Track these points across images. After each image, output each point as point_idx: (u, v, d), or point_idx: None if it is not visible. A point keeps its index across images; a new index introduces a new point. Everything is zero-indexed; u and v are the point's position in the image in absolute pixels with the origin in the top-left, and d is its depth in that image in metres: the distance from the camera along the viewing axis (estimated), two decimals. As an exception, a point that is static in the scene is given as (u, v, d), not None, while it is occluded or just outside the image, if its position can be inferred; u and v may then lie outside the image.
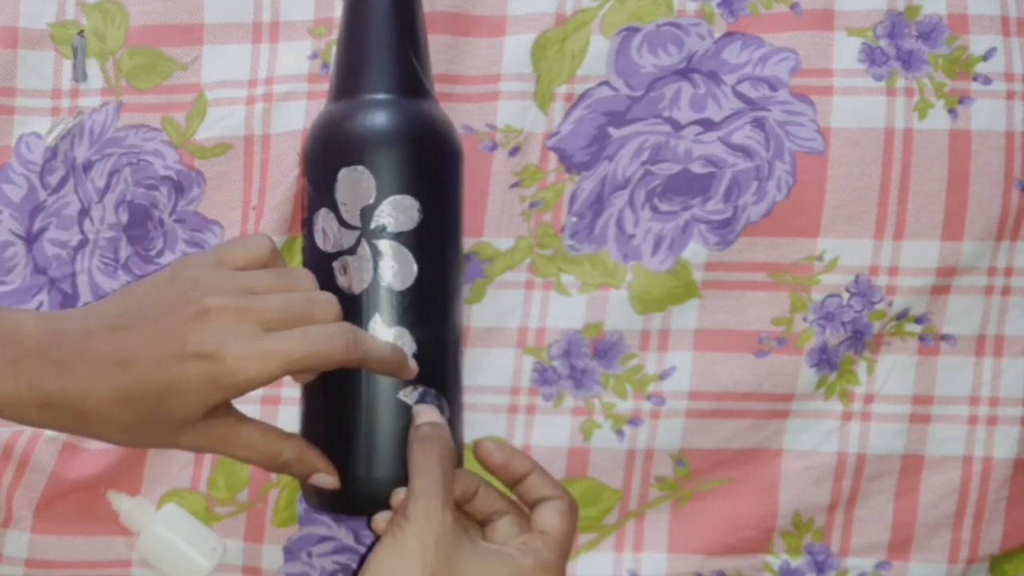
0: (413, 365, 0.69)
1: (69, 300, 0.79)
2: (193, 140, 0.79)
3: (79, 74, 0.80)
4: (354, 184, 0.69)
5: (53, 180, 0.79)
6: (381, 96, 0.72)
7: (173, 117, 0.80)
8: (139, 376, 0.63)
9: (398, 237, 0.69)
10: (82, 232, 0.79)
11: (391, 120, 0.71)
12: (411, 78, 0.72)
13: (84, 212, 0.79)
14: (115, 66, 0.80)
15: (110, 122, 0.80)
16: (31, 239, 0.79)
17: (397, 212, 0.69)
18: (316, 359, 0.64)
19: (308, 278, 0.67)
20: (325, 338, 0.64)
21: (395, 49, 0.72)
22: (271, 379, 0.63)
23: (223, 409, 0.66)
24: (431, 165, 0.71)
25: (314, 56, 0.80)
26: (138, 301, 0.65)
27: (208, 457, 0.78)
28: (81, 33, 0.80)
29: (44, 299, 0.79)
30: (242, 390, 0.63)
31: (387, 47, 0.72)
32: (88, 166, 0.79)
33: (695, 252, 0.78)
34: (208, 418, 0.65)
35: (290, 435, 0.69)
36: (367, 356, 0.66)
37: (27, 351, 0.63)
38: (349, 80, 0.73)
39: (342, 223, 0.70)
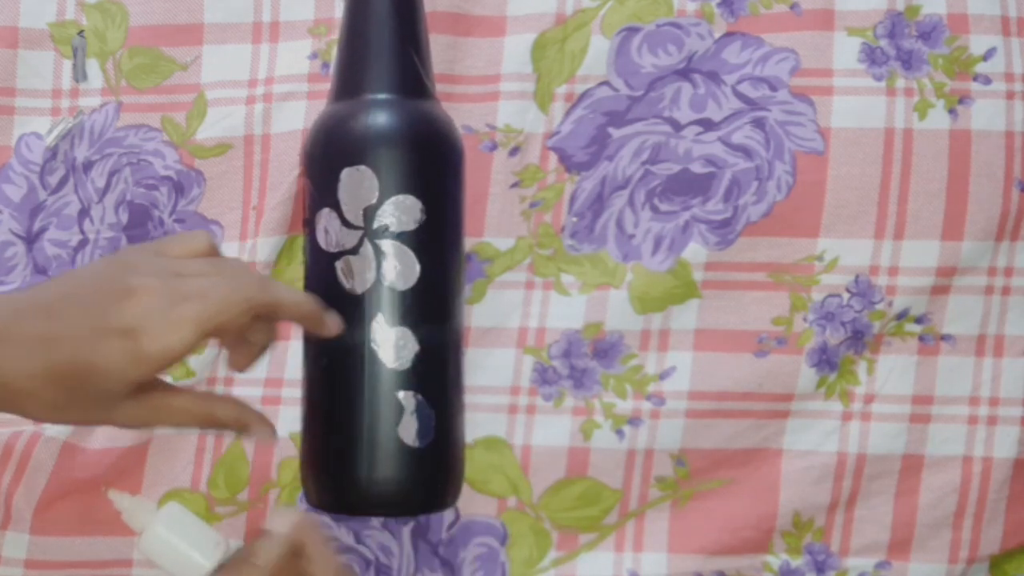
0: (332, 321, 0.68)
1: (69, 300, 0.79)
2: (193, 140, 0.79)
3: (79, 74, 0.80)
4: (357, 184, 0.70)
5: (53, 180, 0.79)
6: (383, 96, 0.72)
7: (173, 117, 0.80)
8: (62, 354, 0.63)
9: (401, 237, 0.69)
10: (82, 232, 0.79)
11: (394, 120, 0.71)
12: (413, 78, 0.72)
13: (84, 212, 0.79)
14: (115, 66, 0.80)
15: (110, 122, 0.80)
16: (31, 239, 0.79)
17: (400, 212, 0.69)
18: (226, 312, 0.63)
19: (242, 266, 0.67)
20: (230, 289, 0.63)
21: (397, 49, 0.72)
22: (189, 346, 0.62)
23: (151, 383, 0.66)
24: (434, 165, 0.71)
25: (314, 56, 0.80)
26: (71, 283, 0.65)
27: (208, 457, 0.78)
28: (81, 33, 0.80)
29: (44, 299, 0.79)
30: (163, 363, 0.62)
31: (389, 47, 0.72)
32: (88, 166, 0.79)
33: (695, 252, 0.78)
34: (138, 394, 0.64)
35: (223, 396, 0.69)
36: (278, 299, 0.64)
37: None
38: (351, 80, 0.73)
39: (344, 223, 0.70)
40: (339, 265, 0.70)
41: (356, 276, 0.70)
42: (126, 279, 0.63)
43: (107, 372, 0.62)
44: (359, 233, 0.70)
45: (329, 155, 0.71)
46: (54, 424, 0.74)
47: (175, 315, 0.62)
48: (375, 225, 0.69)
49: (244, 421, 0.68)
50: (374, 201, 0.69)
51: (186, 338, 0.62)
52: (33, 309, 0.64)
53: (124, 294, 0.63)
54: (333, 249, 0.70)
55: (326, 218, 0.71)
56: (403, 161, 0.70)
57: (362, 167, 0.70)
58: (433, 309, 0.71)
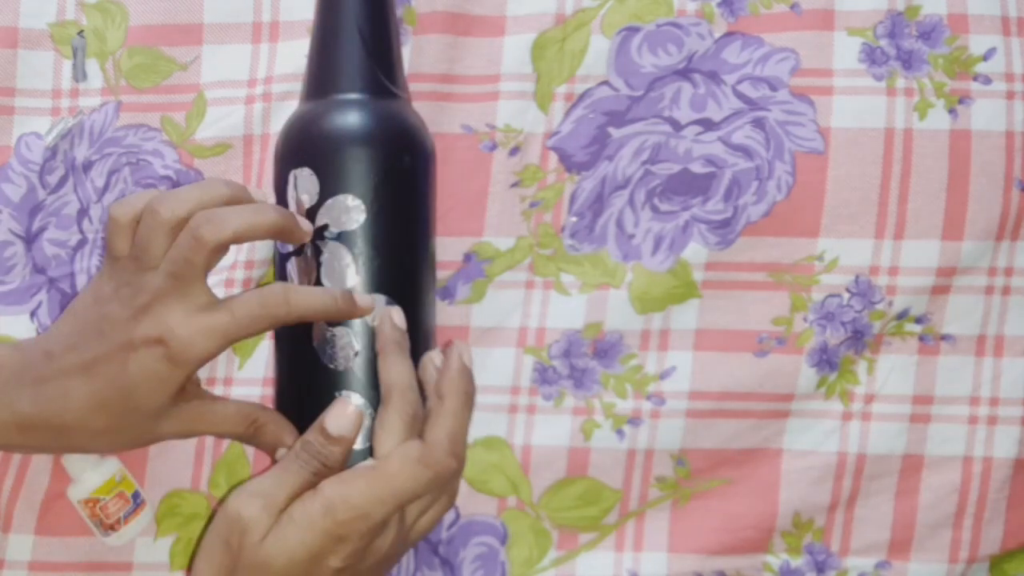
0: (364, 301, 0.69)
1: (68, 300, 0.79)
2: (192, 140, 0.79)
3: (79, 74, 0.80)
4: (302, 185, 0.70)
5: (53, 180, 0.79)
6: (331, 97, 0.72)
7: (172, 117, 0.80)
8: (102, 379, 0.67)
9: (340, 237, 0.69)
10: (81, 232, 0.79)
11: (332, 121, 0.71)
12: (361, 77, 0.72)
13: (83, 212, 0.79)
14: (115, 66, 0.80)
15: (110, 122, 0.80)
16: (30, 239, 0.79)
17: (339, 212, 0.69)
18: (252, 328, 0.67)
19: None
20: (258, 306, 0.66)
21: (340, 49, 0.72)
22: (220, 350, 0.67)
23: (191, 391, 0.69)
24: (376, 164, 0.70)
25: (314, 56, 0.80)
26: (82, 314, 0.69)
27: (208, 457, 0.78)
28: (81, 33, 0.80)
29: (43, 299, 0.79)
30: (196, 365, 0.67)
31: (331, 47, 0.72)
32: (88, 166, 0.79)
33: (695, 252, 0.78)
34: (179, 402, 0.68)
35: (263, 405, 0.72)
36: (303, 312, 0.67)
37: (3, 380, 0.68)
38: (306, 82, 0.74)
39: None
40: (289, 266, 0.71)
41: (302, 277, 0.70)
42: (136, 300, 0.67)
43: (149, 382, 0.67)
44: None
45: (282, 157, 0.72)
46: (111, 453, 0.76)
47: (204, 323, 0.67)
48: (316, 225, 0.70)
49: (283, 425, 0.71)
50: (315, 202, 0.70)
51: (213, 346, 0.67)
52: (61, 348, 0.68)
53: (139, 308, 0.66)
54: (285, 250, 0.71)
55: None
56: (340, 161, 0.70)
57: (305, 168, 0.70)
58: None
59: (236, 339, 0.66)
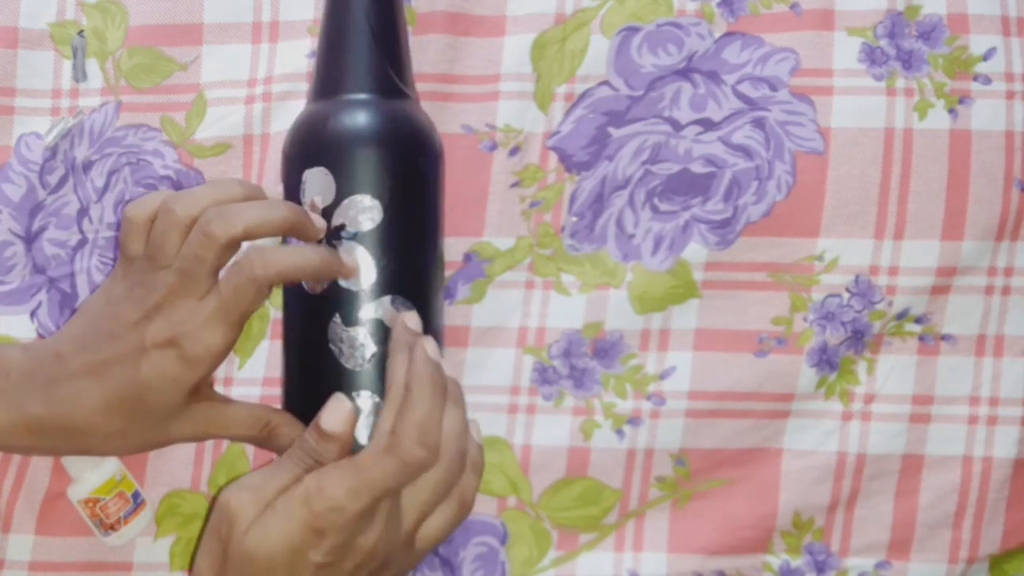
0: (349, 261, 0.68)
1: (68, 300, 0.79)
2: (192, 140, 0.79)
3: (79, 74, 0.80)
4: (316, 185, 0.70)
5: (52, 180, 0.79)
6: (345, 97, 0.71)
7: (172, 117, 0.80)
8: (114, 381, 0.67)
9: (356, 237, 0.69)
10: (81, 232, 0.79)
11: (349, 121, 0.70)
12: (376, 78, 0.72)
13: (83, 212, 0.79)
14: (115, 66, 0.80)
15: (110, 122, 0.80)
16: (30, 239, 0.79)
17: (355, 212, 0.69)
18: (242, 298, 0.66)
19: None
20: (235, 274, 0.66)
21: (355, 49, 0.72)
22: (227, 339, 0.66)
23: (203, 392, 0.69)
24: (393, 165, 0.70)
25: (313, 55, 0.79)
26: (94, 315, 0.69)
27: (208, 457, 0.78)
28: (81, 33, 0.80)
29: (43, 299, 0.79)
30: (210, 362, 0.67)
31: (345, 47, 0.72)
32: (87, 166, 0.79)
33: (695, 252, 0.78)
34: (191, 403, 0.68)
35: (276, 408, 0.71)
36: (283, 269, 0.66)
37: (13, 381, 0.68)
38: (317, 81, 0.73)
39: None
40: None
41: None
42: (148, 300, 0.67)
43: (161, 383, 0.67)
44: None
45: (295, 156, 0.72)
46: (121, 455, 0.76)
47: (202, 315, 0.66)
48: (332, 225, 0.69)
49: (297, 427, 0.70)
50: (331, 202, 0.70)
51: (217, 336, 0.66)
52: (72, 349, 0.68)
53: (149, 310, 0.66)
54: None
55: None
56: (358, 161, 0.70)
57: (321, 168, 0.70)
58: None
59: (234, 319, 0.66)
